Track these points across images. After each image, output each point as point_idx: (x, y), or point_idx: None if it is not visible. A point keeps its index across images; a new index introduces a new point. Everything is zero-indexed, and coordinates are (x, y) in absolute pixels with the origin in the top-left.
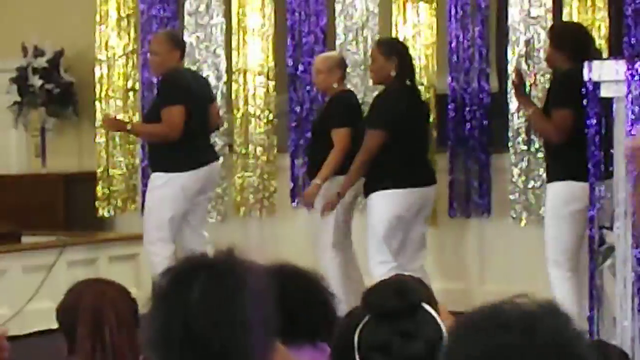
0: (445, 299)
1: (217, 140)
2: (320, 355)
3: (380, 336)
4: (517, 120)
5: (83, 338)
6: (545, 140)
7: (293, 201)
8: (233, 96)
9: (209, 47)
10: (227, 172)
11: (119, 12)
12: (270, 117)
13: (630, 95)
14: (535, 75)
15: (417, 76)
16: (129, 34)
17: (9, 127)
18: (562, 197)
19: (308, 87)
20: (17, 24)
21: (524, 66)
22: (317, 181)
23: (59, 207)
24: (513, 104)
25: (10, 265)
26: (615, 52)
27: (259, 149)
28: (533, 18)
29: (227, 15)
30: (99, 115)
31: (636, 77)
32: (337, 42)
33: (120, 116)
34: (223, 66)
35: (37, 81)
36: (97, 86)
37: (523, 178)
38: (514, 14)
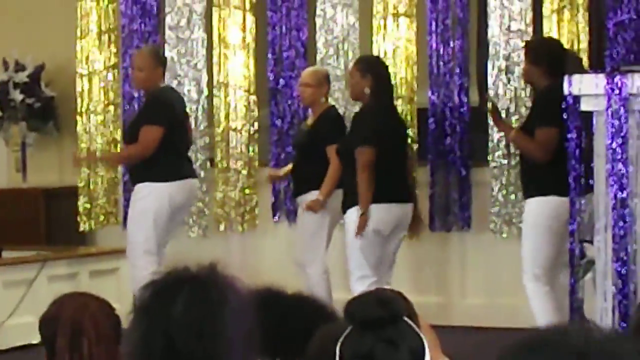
0: (425, 313)
1: (199, 155)
2: None
3: (364, 345)
4: (496, 134)
5: (62, 350)
6: (523, 156)
7: (274, 215)
8: (214, 111)
9: (190, 61)
10: (209, 187)
11: (99, 27)
12: (252, 131)
13: (610, 109)
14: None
15: (398, 90)
16: (109, 49)
17: None
18: (545, 212)
19: (289, 101)
20: None
21: (499, 90)
22: (321, 197)
23: (40, 222)
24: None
25: None
26: (596, 65)
27: (240, 163)
28: (513, 32)
29: (208, 29)
30: (80, 130)
31: (616, 91)
32: (318, 57)
33: (101, 129)
34: (204, 81)
35: (17, 96)
36: (78, 100)
37: (503, 192)
38: (494, 28)
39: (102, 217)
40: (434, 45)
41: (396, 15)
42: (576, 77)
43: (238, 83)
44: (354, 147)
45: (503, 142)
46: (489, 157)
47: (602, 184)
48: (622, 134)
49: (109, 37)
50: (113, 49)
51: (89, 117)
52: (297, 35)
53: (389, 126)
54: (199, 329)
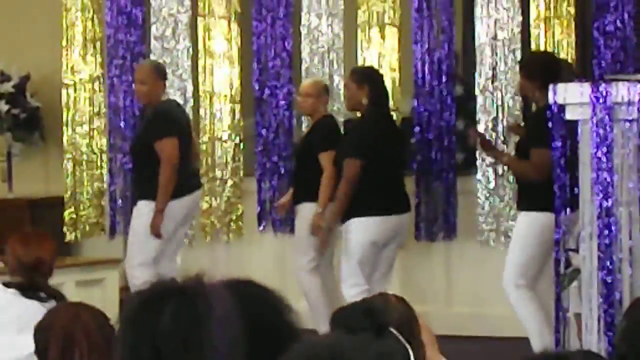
0: None
1: None
2: None
3: None
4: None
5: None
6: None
7: (260, 225)
8: (199, 120)
9: (176, 71)
10: None
11: (85, 37)
12: (237, 141)
13: (595, 118)
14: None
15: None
16: (95, 59)
17: None
18: (537, 227)
19: (274, 111)
20: None
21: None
22: (320, 209)
23: None
24: (480, 125)
25: None
26: (582, 74)
27: (225, 172)
28: (499, 40)
29: (194, 39)
30: (65, 140)
31: (601, 100)
32: (303, 66)
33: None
34: (189, 90)
35: (3, 106)
36: (64, 111)
37: (490, 200)
38: (481, 36)
39: (88, 227)
40: (419, 54)
41: (381, 25)
42: (561, 86)
43: (223, 93)
44: (344, 156)
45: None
46: (475, 166)
47: (588, 192)
48: (607, 143)
49: (94, 47)
50: (98, 59)
51: (75, 128)
52: (283, 45)
53: (386, 136)
54: (186, 340)
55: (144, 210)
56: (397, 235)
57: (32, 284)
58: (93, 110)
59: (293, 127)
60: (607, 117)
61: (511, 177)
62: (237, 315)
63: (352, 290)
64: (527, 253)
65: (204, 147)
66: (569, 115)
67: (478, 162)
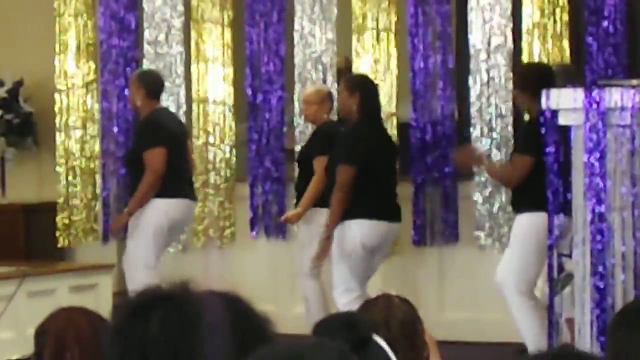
0: None
1: None
2: None
3: None
4: (479, 148)
5: None
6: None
7: (252, 230)
8: (192, 125)
9: (169, 76)
10: None
11: (78, 42)
12: (230, 146)
13: (588, 123)
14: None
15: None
16: (88, 64)
17: None
18: (535, 227)
19: (267, 116)
20: None
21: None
22: (299, 209)
23: (19, 238)
24: (475, 130)
25: None
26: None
27: (218, 178)
28: (494, 46)
29: (186, 44)
30: (58, 145)
31: (594, 105)
32: (296, 72)
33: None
34: (182, 95)
35: None
36: (57, 116)
37: (487, 205)
38: (475, 43)
39: (81, 233)
40: (415, 60)
41: (376, 30)
42: (554, 91)
43: (216, 98)
44: (336, 163)
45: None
46: (472, 171)
47: (580, 198)
48: (600, 148)
49: (88, 53)
50: (91, 65)
51: (68, 133)
52: (276, 50)
53: (376, 144)
54: (175, 348)
55: (146, 209)
56: (385, 244)
57: None
58: (86, 115)
59: (284, 133)
60: (600, 122)
61: None
62: (227, 323)
63: (345, 297)
64: (527, 257)
65: (196, 152)
66: (562, 121)
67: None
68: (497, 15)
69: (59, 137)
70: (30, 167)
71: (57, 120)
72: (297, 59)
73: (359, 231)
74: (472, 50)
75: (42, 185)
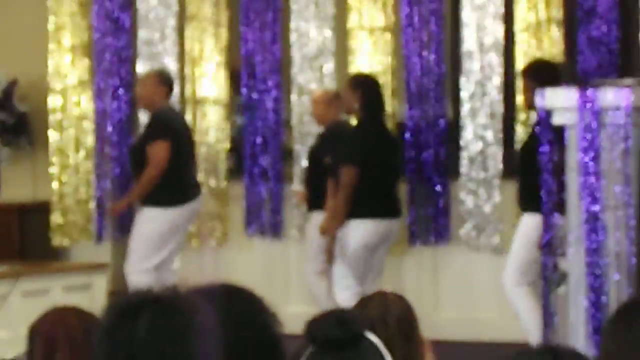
0: None
1: None
2: None
3: None
4: (472, 148)
5: None
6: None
7: (248, 229)
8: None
9: None
10: None
11: (72, 42)
12: (225, 145)
13: (582, 123)
14: None
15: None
16: (82, 64)
17: None
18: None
19: (263, 116)
20: None
21: None
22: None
23: (14, 237)
24: (467, 131)
25: None
26: (568, 79)
27: (213, 177)
28: (487, 46)
29: (181, 44)
30: (53, 145)
31: (588, 105)
32: (292, 71)
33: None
34: (177, 95)
35: None
36: (51, 116)
37: (479, 205)
38: (468, 42)
39: (75, 233)
40: (410, 60)
41: (371, 30)
42: (549, 91)
43: (211, 97)
44: (339, 163)
45: (478, 156)
46: (464, 171)
47: (575, 197)
48: (594, 148)
49: (82, 52)
50: (86, 64)
51: (62, 132)
52: (271, 50)
53: (377, 142)
54: (163, 351)
55: (147, 216)
56: (387, 239)
57: None
58: (80, 114)
59: (281, 132)
60: (594, 121)
61: (499, 183)
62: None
63: (344, 293)
64: (530, 255)
65: None
66: (556, 120)
67: (467, 167)
68: (489, 15)
69: (53, 137)
70: (25, 166)
71: (51, 120)
72: (293, 59)
73: (361, 231)
74: (464, 50)
75: (36, 185)
